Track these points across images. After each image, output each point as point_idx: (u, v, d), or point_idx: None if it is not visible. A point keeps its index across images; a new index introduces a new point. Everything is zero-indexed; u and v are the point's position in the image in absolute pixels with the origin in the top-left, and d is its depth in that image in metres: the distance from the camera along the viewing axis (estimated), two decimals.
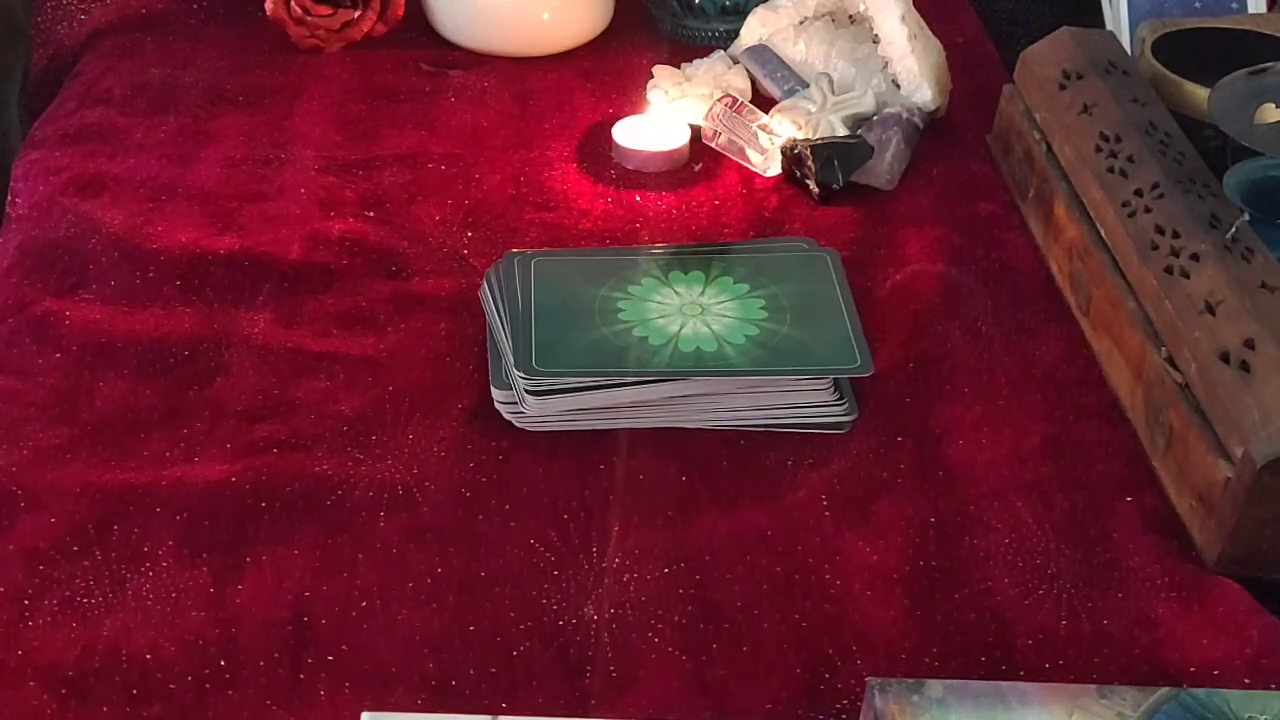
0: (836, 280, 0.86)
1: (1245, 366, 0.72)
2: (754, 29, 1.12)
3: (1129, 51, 1.01)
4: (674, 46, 1.17)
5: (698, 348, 0.80)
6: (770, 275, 0.86)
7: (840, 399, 0.80)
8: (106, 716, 0.62)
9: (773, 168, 1.01)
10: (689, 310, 0.83)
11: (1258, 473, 0.68)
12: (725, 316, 0.83)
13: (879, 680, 0.59)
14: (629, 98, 1.10)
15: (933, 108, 1.06)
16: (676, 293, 0.85)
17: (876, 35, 1.08)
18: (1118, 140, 0.88)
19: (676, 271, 0.86)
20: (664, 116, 1.05)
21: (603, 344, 0.80)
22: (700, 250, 0.89)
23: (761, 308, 0.83)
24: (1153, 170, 0.85)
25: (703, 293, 0.85)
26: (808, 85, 1.06)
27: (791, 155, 0.99)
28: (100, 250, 0.90)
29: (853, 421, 0.80)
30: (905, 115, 1.03)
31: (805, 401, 0.80)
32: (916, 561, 0.72)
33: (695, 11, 1.17)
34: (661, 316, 0.82)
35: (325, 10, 1.14)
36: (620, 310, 0.83)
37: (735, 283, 0.86)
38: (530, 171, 1.01)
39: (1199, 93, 0.92)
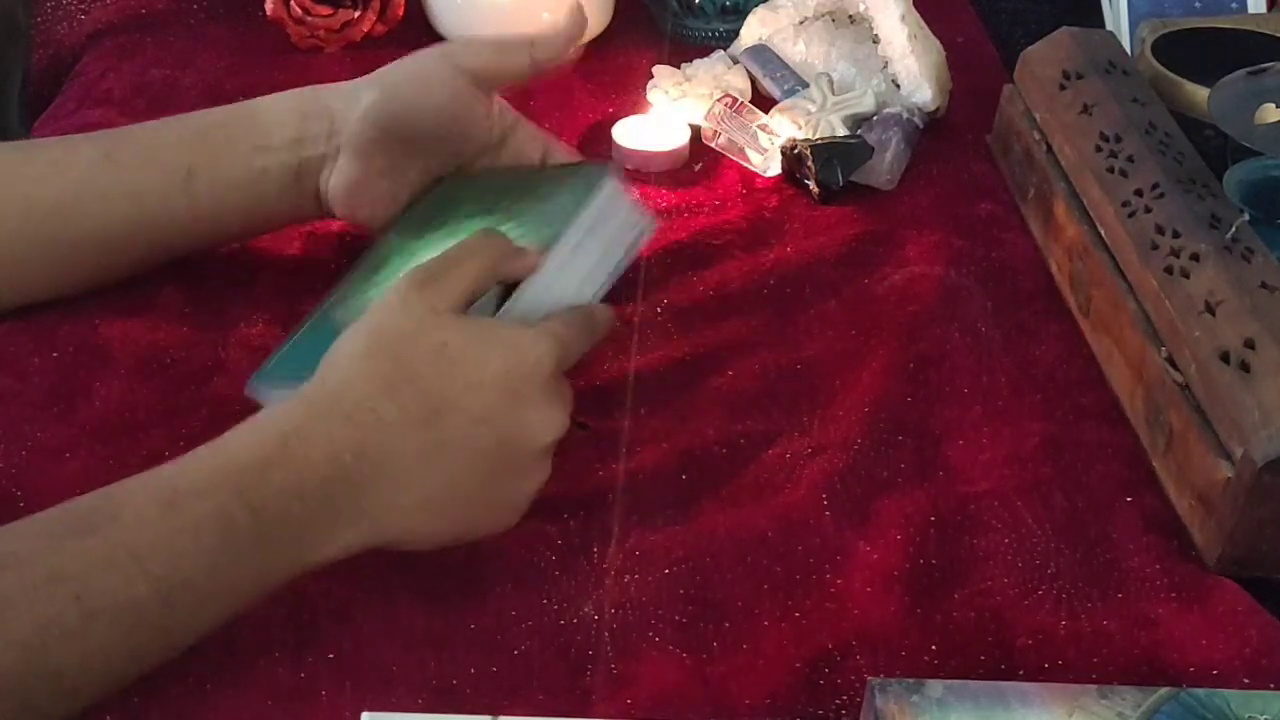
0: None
1: (1245, 366, 0.72)
2: (754, 29, 1.12)
3: (1129, 51, 1.01)
4: (674, 46, 1.17)
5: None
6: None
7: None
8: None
9: (773, 168, 1.01)
10: None
11: (1258, 473, 0.68)
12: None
13: (879, 680, 0.59)
14: (629, 98, 1.10)
15: (933, 108, 1.06)
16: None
17: (876, 35, 1.08)
18: (1118, 140, 0.88)
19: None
20: (664, 116, 1.05)
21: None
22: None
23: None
24: (1153, 170, 0.85)
25: None
26: (808, 85, 1.06)
27: (791, 155, 0.99)
28: None
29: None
30: (905, 115, 1.03)
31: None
32: (916, 560, 0.72)
33: (695, 11, 1.17)
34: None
35: (325, 10, 1.14)
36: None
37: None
38: None
39: (1199, 93, 0.92)
